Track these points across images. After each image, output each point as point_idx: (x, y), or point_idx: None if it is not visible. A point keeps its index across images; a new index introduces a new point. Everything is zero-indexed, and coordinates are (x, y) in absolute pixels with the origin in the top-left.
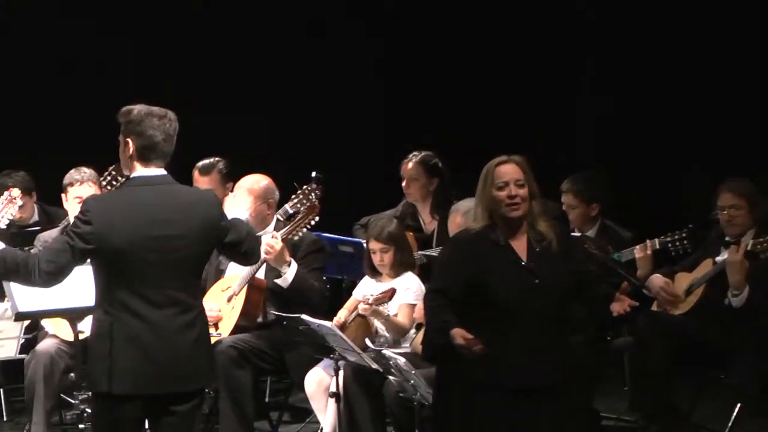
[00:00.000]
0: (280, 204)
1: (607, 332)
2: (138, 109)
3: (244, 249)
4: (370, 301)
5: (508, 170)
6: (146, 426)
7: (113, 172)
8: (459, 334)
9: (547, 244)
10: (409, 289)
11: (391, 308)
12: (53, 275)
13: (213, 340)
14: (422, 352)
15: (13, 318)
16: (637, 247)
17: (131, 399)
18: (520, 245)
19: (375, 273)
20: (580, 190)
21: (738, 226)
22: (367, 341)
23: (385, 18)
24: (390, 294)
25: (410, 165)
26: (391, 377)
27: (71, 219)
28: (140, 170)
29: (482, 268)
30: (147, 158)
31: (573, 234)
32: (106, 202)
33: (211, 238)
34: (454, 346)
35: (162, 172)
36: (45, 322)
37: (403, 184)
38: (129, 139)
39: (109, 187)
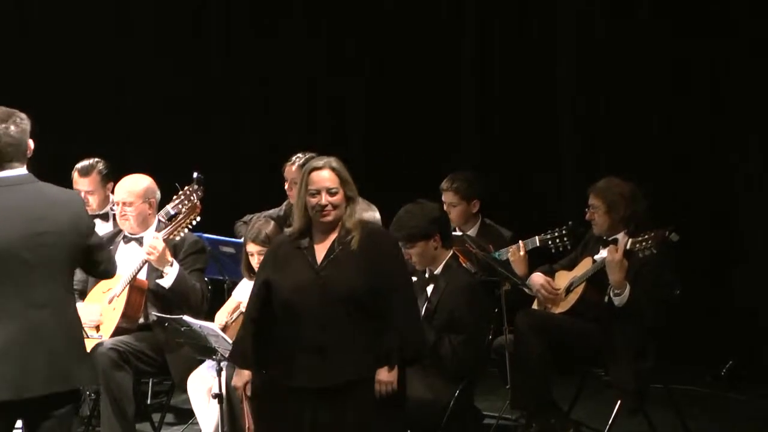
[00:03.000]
0: (162, 205)
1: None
2: None
3: (101, 258)
4: None
5: (322, 178)
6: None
7: None
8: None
9: (347, 242)
10: None
11: None
12: None
13: (94, 342)
14: None
15: None
16: (511, 248)
17: (8, 403)
18: (322, 247)
19: (253, 275)
20: (460, 187)
21: (597, 225)
22: None
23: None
24: None
25: (293, 168)
26: None
27: None
28: None
29: (276, 269)
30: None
31: (454, 234)
32: None
33: (82, 234)
34: None
35: (23, 171)
36: None
37: (286, 186)
38: None
39: None
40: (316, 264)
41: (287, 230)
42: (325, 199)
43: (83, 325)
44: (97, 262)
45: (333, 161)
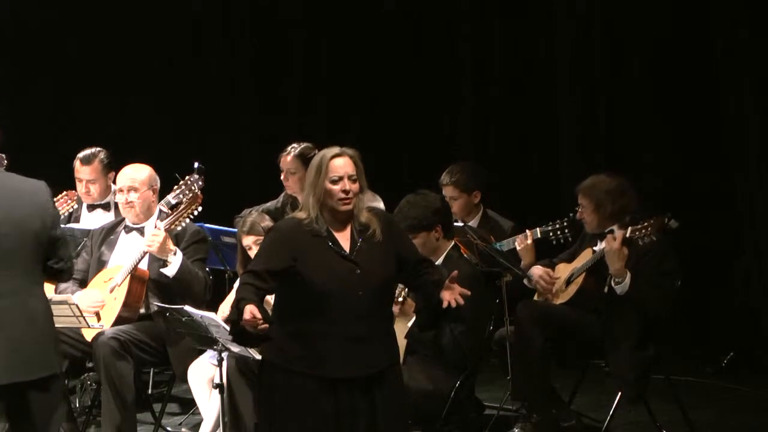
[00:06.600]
0: (162, 195)
1: (440, 319)
2: None
3: (64, 255)
4: None
5: (343, 165)
6: None
7: None
8: (248, 310)
9: (370, 234)
10: None
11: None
12: None
13: (95, 331)
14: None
15: None
16: (518, 237)
17: None
18: (343, 236)
19: None
20: (459, 180)
21: (587, 223)
22: None
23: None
24: None
25: (288, 158)
26: None
27: None
28: None
29: (300, 256)
30: None
31: (456, 224)
32: None
33: (46, 224)
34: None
35: None
36: None
37: (282, 177)
38: None
39: None
40: (345, 253)
41: (295, 215)
42: (347, 185)
43: (83, 313)
44: (59, 256)
45: (348, 149)
